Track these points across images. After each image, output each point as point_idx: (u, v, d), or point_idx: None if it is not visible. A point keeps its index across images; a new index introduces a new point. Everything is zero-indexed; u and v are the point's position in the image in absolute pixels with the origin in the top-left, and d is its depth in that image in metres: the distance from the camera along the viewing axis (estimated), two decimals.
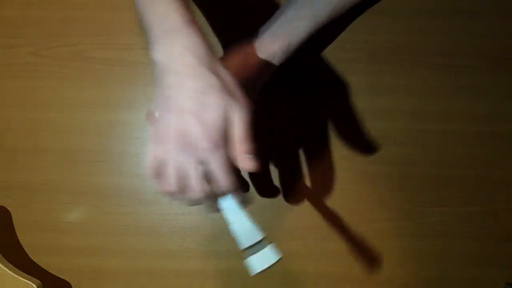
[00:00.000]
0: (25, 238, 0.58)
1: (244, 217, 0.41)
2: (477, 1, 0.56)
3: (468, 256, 0.57)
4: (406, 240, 0.57)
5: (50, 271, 0.58)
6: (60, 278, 0.58)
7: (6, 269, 0.53)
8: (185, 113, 0.36)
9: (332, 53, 0.56)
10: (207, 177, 0.38)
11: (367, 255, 0.57)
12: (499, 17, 0.56)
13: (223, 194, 0.40)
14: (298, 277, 0.57)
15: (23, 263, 0.57)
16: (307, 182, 0.57)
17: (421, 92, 0.56)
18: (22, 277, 0.53)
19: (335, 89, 0.56)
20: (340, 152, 0.56)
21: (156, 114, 0.38)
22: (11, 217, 0.58)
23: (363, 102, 0.56)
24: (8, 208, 0.58)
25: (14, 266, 0.54)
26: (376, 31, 0.56)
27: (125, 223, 0.58)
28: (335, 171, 0.57)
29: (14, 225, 0.58)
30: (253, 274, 0.40)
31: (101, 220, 0.57)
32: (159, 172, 0.39)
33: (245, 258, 0.41)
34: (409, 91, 0.56)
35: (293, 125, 0.57)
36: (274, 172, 0.57)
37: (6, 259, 0.55)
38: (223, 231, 0.57)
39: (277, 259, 0.40)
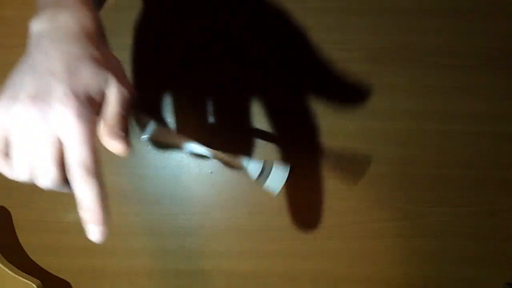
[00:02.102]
0: (25, 238, 0.58)
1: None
2: (477, 1, 0.56)
3: (468, 256, 0.57)
4: (406, 240, 0.57)
5: (50, 271, 0.58)
6: (60, 278, 0.58)
7: (6, 269, 0.53)
8: (50, 75, 0.29)
9: (332, 53, 0.56)
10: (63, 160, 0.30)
11: (367, 255, 0.57)
12: (499, 17, 0.56)
13: (75, 178, 0.30)
14: (298, 277, 0.57)
15: (23, 263, 0.57)
16: (307, 182, 0.57)
17: (421, 92, 0.56)
18: (22, 277, 0.53)
19: (335, 89, 0.56)
20: (340, 152, 0.57)
21: (12, 77, 0.32)
22: (11, 217, 0.58)
23: (363, 102, 0.56)
24: (8, 208, 0.58)
25: (14, 266, 0.55)
26: (376, 31, 0.56)
27: (125, 223, 0.58)
28: (335, 171, 0.57)
29: (14, 225, 0.58)
30: (276, 195, 0.43)
31: None
32: (6, 153, 0.31)
33: (262, 186, 0.40)
34: (409, 91, 0.56)
35: (292, 125, 0.57)
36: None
37: (6, 259, 0.55)
38: (223, 231, 0.57)
39: (287, 173, 0.41)
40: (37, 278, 0.54)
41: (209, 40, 0.57)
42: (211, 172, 0.57)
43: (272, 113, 0.57)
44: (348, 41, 0.56)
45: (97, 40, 0.33)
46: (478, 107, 0.56)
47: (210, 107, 0.55)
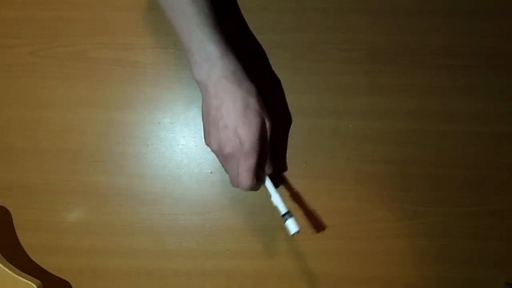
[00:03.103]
0: (25, 238, 0.58)
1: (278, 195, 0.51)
2: (477, 1, 0.56)
3: (468, 256, 0.57)
4: (406, 240, 0.57)
5: (50, 271, 0.58)
6: (60, 278, 0.58)
7: (6, 269, 0.53)
8: (226, 129, 0.46)
9: (332, 53, 0.56)
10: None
11: (367, 255, 0.57)
12: (499, 17, 0.56)
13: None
14: (298, 277, 0.57)
15: (23, 263, 0.57)
16: (307, 182, 0.57)
17: (421, 92, 0.56)
18: (22, 277, 0.53)
19: (335, 89, 0.56)
20: (340, 152, 0.57)
21: (206, 128, 0.48)
22: (11, 217, 0.58)
23: (363, 102, 0.56)
24: (8, 208, 0.58)
25: (14, 266, 0.54)
26: (376, 31, 0.56)
27: (125, 223, 0.58)
28: (335, 171, 0.57)
29: (14, 225, 0.58)
30: (292, 234, 0.49)
31: (101, 220, 0.58)
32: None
33: (284, 222, 0.50)
34: (409, 91, 0.56)
35: (292, 125, 0.57)
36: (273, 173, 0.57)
37: (6, 259, 0.55)
38: (223, 231, 0.57)
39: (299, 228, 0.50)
40: (37, 278, 0.54)
41: None
42: (211, 172, 0.57)
43: (271, 113, 0.57)
44: (348, 41, 0.56)
45: (247, 87, 0.47)
46: (478, 107, 0.56)
47: None
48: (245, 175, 0.47)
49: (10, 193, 0.58)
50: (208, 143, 0.48)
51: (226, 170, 0.50)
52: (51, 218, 0.58)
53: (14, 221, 0.58)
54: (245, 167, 0.47)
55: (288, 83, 0.56)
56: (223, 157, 0.48)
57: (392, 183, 0.57)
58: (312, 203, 0.57)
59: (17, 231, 0.58)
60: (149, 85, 0.57)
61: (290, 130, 0.57)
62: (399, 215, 0.57)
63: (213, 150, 0.48)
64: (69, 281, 0.58)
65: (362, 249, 0.57)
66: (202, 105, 0.48)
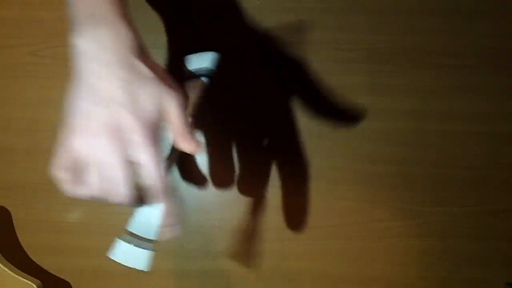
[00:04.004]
0: (25, 238, 0.58)
1: (154, 213, 0.37)
2: (477, 1, 0.56)
3: (468, 256, 0.57)
4: (406, 240, 0.57)
5: (50, 271, 0.58)
6: (60, 278, 0.58)
7: (6, 269, 0.53)
8: (115, 104, 0.33)
9: (332, 53, 0.56)
10: (136, 178, 0.34)
11: (367, 255, 0.57)
12: (499, 17, 0.56)
13: (153, 196, 0.35)
14: (298, 277, 0.57)
15: (23, 263, 0.57)
16: (307, 181, 0.57)
17: (421, 92, 0.56)
18: (22, 277, 0.53)
19: (335, 90, 0.56)
20: (340, 152, 0.57)
21: (77, 105, 0.35)
22: (11, 217, 0.58)
23: (363, 102, 0.56)
24: (8, 208, 0.58)
25: (14, 266, 0.54)
26: (376, 31, 0.56)
27: (125, 223, 0.57)
28: (335, 171, 0.57)
29: (14, 225, 0.58)
30: (110, 257, 0.36)
31: (101, 220, 0.57)
32: (74, 173, 0.35)
33: (118, 238, 0.37)
34: (409, 91, 0.56)
35: (292, 125, 0.57)
36: (274, 172, 0.57)
37: (6, 259, 0.55)
38: (223, 231, 0.57)
39: (140, 268, 0.36)
40: (37, 278, 0.54)
41: (205, 41, 0.57)
42: None
43: (272, 114, 0.57)
44: (348, 41, 0.56)
45: (141, 54, 0.35)
46: (478, 107, 0.56)
47: (210, 104, 0.55)
48: (154, 169, 0.35)
49: (10, 193, 0.58)
50: (82, 126, 0.34)
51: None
52: (51, 218, 0.58)
53: (14, 221, 0.58)
54: (151, 156, 0.34)
55: (288, 83, 0.56)
56: (109, 147, 0.34)
57: (392, 183, 0.57)
58: (313, 203, 0.57)
59: (17, 231, 0.58)
60: None
61: (290, 130, 0.57)
62: (399, 215, 0.57)
63: (91, 136, 0.34)
64: (69, 281, 0.58)
65: (362, 249, 0.57)
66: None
